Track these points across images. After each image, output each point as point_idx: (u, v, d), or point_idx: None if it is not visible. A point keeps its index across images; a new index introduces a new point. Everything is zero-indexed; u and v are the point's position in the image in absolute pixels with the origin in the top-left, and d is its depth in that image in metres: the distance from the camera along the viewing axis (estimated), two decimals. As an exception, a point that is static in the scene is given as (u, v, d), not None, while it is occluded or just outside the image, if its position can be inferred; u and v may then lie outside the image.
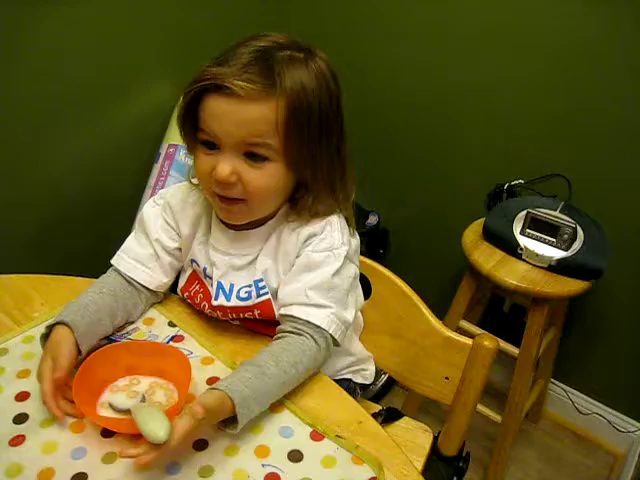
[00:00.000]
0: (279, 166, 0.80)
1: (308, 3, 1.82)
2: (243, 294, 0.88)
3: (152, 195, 1.52)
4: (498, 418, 1.61)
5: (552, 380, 1.82)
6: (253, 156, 0.78)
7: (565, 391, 1.83)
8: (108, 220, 1.60)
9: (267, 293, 0.87)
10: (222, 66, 0.75)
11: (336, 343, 0.85)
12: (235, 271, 0.88)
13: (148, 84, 1.61)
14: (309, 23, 1.80)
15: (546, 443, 1.82)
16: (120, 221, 1.54)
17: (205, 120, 0.78)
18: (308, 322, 0.82)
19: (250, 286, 0.88)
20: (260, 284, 0.87)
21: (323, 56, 0.82)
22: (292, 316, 0.83)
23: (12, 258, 1.40)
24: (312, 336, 0.81)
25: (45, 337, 0.81)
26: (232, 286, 0.88)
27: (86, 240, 1.61)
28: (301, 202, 0.86)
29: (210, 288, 0.90)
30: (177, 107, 0.82)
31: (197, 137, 0.81)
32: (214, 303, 0.89)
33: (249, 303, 0.88)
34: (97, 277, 0.93)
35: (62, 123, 1.47)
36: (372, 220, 1.82)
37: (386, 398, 1.87)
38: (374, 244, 1.84)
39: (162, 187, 1.52)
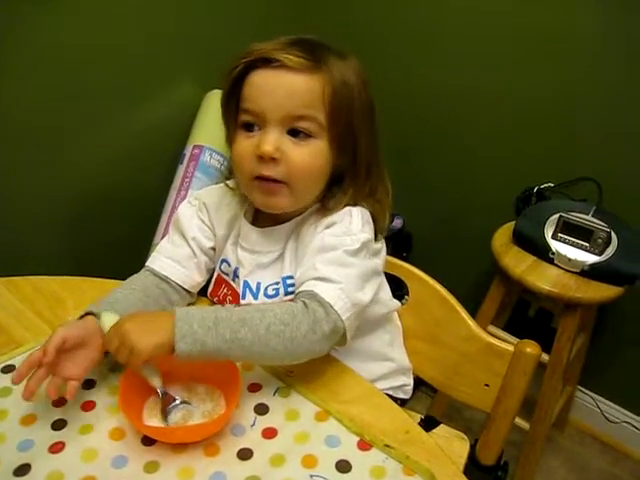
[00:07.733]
0: (323, 144, 0.79)
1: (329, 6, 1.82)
2: (271, 291, 0.86)
3: (177, 196, 1.50)
4: (525, 425, 1.58)
5: (579, 387, 1.79)
6: (297, 133, 0.78)
7: (593, 399, 1.79)
8: (133, 221, 1.59)
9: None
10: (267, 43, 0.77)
11: (344, 326, 0.75)
12: (262, 270, 0.87)
13: (172, 85, 1.60)
14: (329, 24, 1.78)
15: (573, 451, 1.78)
16: (145, 223, 1.53)
17: (251, 96, 0.78)
18: (313, 295, 0.74)
19: (278, 283, 0.86)
20: (288, 281, 0.85)
21: (356, 60, 0.83)
22: (300, 292, 0.76)
23: (39, 257, 1.39)
24: (308, 305, 0.73)
25: None
26: (259, 284, 0.87)
27: (110, 241, 1.59)
28: (338, 194, 0.84)
29: (239, 289, 0.88)
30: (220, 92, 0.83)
31: (237, 120, 0.80)
32: (242, 302, 0.87)
33: (276, 300, 0.85)
34: (124, 278, 0.90)
35: (86, 123, 1.46)
36: (396, 223, 1.79)
37: (408, 404, 1.84)
38: (398, 247, 1.81)
39: (187, 188, 1.50)
